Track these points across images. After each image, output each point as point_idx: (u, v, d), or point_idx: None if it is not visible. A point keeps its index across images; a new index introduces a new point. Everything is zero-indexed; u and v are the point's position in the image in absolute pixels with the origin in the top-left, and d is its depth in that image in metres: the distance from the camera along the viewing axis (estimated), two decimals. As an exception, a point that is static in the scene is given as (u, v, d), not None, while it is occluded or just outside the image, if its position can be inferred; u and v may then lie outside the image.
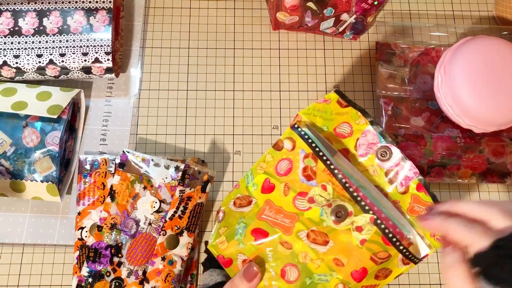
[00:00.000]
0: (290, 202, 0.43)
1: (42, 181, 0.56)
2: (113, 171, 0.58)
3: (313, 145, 0.43)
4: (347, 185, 0.41)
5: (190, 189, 0.55)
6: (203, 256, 0.58)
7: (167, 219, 0.54)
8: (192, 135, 0.64)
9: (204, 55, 0.67)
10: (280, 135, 0.64)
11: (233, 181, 0.62)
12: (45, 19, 0.59)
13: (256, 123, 0.64)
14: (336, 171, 0.42)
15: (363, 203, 0.41)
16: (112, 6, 0.60)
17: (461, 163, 0.60)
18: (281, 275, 0.43)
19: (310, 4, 0.61)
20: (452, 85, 0.55)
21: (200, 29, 0.68)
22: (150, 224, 0.54)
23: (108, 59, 0.59)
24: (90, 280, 0.53)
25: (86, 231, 0.56)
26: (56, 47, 0.58)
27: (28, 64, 0.58)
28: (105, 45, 0.59)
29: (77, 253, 0.55)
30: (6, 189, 0.56)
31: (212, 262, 0.50)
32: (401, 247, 0.41)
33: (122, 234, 0.54)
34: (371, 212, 0.41)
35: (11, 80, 0.60)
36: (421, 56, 0.64)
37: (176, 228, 0.54)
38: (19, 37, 0.58)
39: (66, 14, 0.59)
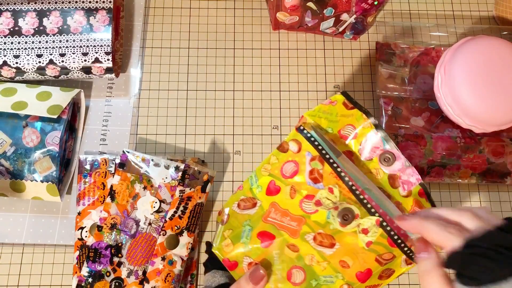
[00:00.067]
0: (297, 205, 0.44)
1: (42, 181, 0.56)
2: (113, 171, 0.58)
3: (320, 147, 0.43)
4: (353, 187, 0.42)
5: (190, 189, 0.55)
6: (203, 256, 0.58)
7: (167, 219, 0.54)
8: (192, 135, 0.64)
9: (204, 55, 0.67)
10: (280, 135, 0.64)
11: (233, 181, 0.62)
12: (45, 19, 0.59)
13: (256, 123, 0.64)
14: (343, 174, 0.42)
15: (369, 205, 0.41)
16: (112, 6, 0.60)
17: (461, 163, 0.60)
18: (287, 277, 0.43)
19: (310, 4, 0.61)
20: (452, 85, 0.55)
21: (200, 29, 0.68)
22: (150, 224, 0.54)
23: (108, 59, 0.59)
24: (90, 280, 0.53)
25: (86, 231, 0.56)
26: (56, 47, 0.58)
27: (28, 64, 0.58)
28: (105, 45, 0.59)
29: (77, 253, 0.55)
30: (6, 189, 0.56)
31: (214, 263, 0.50)
32: (406, 249, 0.41)
33: (122, 234, 0.54)
34: (377, 214, 0.41)
35: (11, 80, 0.60)
36: (421, 56, 0.64)
37: (176, 228, 0.54)
38: (19, 37, 0.58)
39: (66, 14, 0.59)
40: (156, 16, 0.69)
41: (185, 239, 0.54)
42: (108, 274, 0.53)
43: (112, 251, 0.53)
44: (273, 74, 0.67)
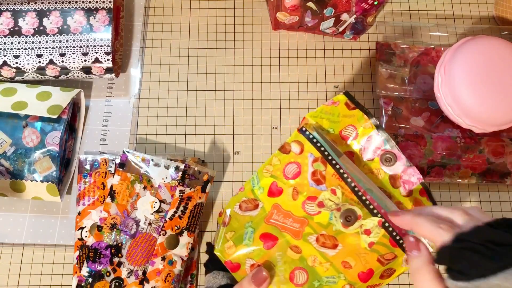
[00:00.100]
0: (300, 207, 0.44)
1: (42, 181, 0.56)
2: (113, 171, 0.58)
3: (322, 149, 0.43)
4: (356, 189, 0.42)
5: (190, 189, 0.55)
6: (203, 256, 0.58)
7: (167, 219, 0.54)
8: (192, 135, 0.64)
9: (204, 55, 0.67)
10: (280, 135, 0.64)
11: (233, 181, 0.62)
12: (45, 19, 0.59)
13: (256, 123, 0.64)
14: (345, 175, 0.42)
15: (371, 206, 0.41)
16: (112, 6, 0.60)
17: (461, 163, 0.60)
18: (290, 278, 0.43)
19: (310, 4, 0.61)
20: (452, 85, 0.55)
21: (200, 29, 0.68)
22: (150, 224, 0.54)
23: (108, 59, 0.59)
24: (90, 280, 0.53)
25: (86, 231, 0.56)
26: (56, 47, 0.58)
27: (28, 64, 0.58)
28: (105, 45, 0.59)
29: (77, 253, 0.55)
30: (6, 189, 0.56)
31: (215, 264, 0.50)
32: None
33: (122, 234, 0.54)
34: (379, 215, 0.41)
35: (11, 80, 0.60)
36: (421, 56, 0.64)
37: (176, 228, 0.54)
38: (19, 37, 0.58)
39: (66, 14, 0.59)
40: (156, 16, 0.69)
41: (185, 239, 0.54)
42: (108, 274, 0.53)
43: (112, 251, 0.53)
44: (273, 74, 0.67)
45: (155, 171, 0.55)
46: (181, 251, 0.54)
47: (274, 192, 0.45)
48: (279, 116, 0.65)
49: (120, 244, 0.54)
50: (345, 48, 0.68)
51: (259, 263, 0.44)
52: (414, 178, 0.43)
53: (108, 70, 0.60)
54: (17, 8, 0.59)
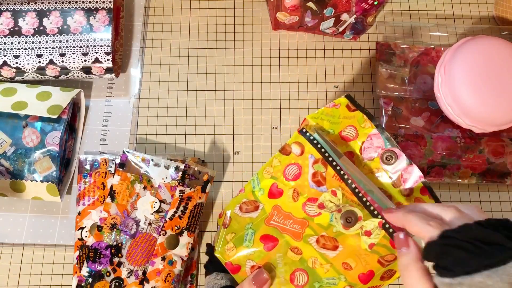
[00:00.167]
0: (300, 208, 0.44)
1: (42, 181, 0.56)
2: (113, 171, 0.58)
3: (322, 150, 0.43)
4: (356, 190, 0.42)
5: (190, 189, 0.55)
6: (203, 256, 0.58)
7: (167, 219, 0.54)
8: (192, 135, 0.64)
9: (204, 55, 0.67)
10: (280, 135, 0.64)
11: (233, 181, 0.62)
12: (45, 19, 0.59)
13: (256, 123, 0.64)
14: (346, 177, 0.42)
15: (372, 207, 0.41)
16: (112, 6, 0.60)
17: (461, 163, 0.60)
18: (290, 280, 0.43)
19: (310, 4, 0.61)
20: (452, 85, 0.55)
21: (200, 29, 0.68)
22: (150, 224, 0.54)
23: (108, 59, 0.59)
24: (90, 280, 0.53)
25: (86, 231, 0.56)
26: (56, 47, 0.58)
27: (28, 64, 0.58)
28: (105, 45, 0.59)
29: (77, 253, 0.55)
30: (6, 189, 0.56)
31: (215, 266, 0.50)
32: None
33: (122, 234, 0.54)
34: (379, 216, 0.41)
35: (11, 80, 0.60)
36: (421, 56, 0.64)
37: (176, 228, 0.54)
38: (19, 37, 0.58)
39: (66, 14, 0.59)
40: (156, 16, 0.69)
41: (185, 239, 0.54)
42: (108, 274, 0.53)
43: (112, 251, 0.53)
44: (273, 74, 0.67)
45: (155, 171, 0.55)
46: (181, 251, 0.54)
47: (274, 193, 0.45)
48: (279, 116, 0.65)
49: (120, 244, 0.54)
50: (345, 48, 0.68)
51: (260, 265, 0.44)
52: (415, 176, 0.43)
53: (108, 70, 0.60)
54: (17, 8, 0.59)
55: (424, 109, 0.62)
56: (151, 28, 0.68)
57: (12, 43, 0.58)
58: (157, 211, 0.55)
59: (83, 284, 0.53)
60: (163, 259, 0.53)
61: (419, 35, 0.68)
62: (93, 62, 0.59)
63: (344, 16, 0.62)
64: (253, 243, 0.45)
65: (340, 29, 0.65)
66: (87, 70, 0.60)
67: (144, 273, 0.53)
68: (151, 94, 0.65)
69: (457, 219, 0.35)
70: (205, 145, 0.63)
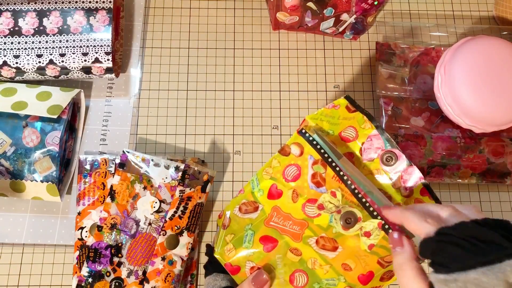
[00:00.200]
0: (299, 209, 0.44)
1: (42, 181, 0.56)
2: (113, 171, 0.58)
3: (322, 151, 0.43)
4: (356, 191, 0.42)
5: (190, 189, 0.55)
6: (203, 256, 0.58)
7: (167, 219, 0.54)
8: (192, 135, 0.64)
9: (204, 55, 0.67)
10: (280, 135, 0.64)
11: (233, 181, 0.62)
12: (45, 19, 0.59)
13: (256, 123, 0.64)
14: (345, 178, 0.42)
15: (371, 208, 0.41)
16: (112, 6, 0.60)
17: (461, 163, 0.60)
18: (290, 281, 0.43)
19: (310, 4, 0.61)
20: (452, 85, 0.55)
21: (200, 29, 0.68)
22: (150, 224, 0.54)
23: (108, 59, 0.59)
24: (90, 280, 0.53)
25: (86, 231, 0.56)
26: (56, 47, 0.58)
27: (28, 64, 0.58)
28: (105, 45, 0.59)
29: (77, 253, 0.55)
30: (6, 189, 0.56)
31: (215, 266, 0.50)
32: None
33: (122, 234, 0.54)
34: (379, 217, 0.41)
35: (11, 80, 0.60)
36: (421, 56, 0.64)
37: (176, 228, 0.54)
38: (19, 37, 0.58)
39: (66, 14, 0.59)
40: (156, 16, 0.69)
41: (185, 239, 0.54)
42: (108, 274, 0.53)
43: (112, 251, 0.53)
44: (273, 74, 0.67)
45: (155, 171, 0.55)
46: (181, 251, 0.54)
47: (274, 194, 0.45)
48: (279, 116, 0.65)
49: (120, 244, 0.54)
50: (345, 48, 0.68)
51: (259, 266, 0.44)
52: (415, 177, 0.43)
53: (108, 70, 0.60)
54: (17, 8, 0.59)
55: (424, 109, 0.62)
56: (151, 28, 0.68)
57: (12, 43, 0.58)
58: (157, 211, 0.55)
59: (83, 284, 0.53)
60: (163, 259, 0.53)
61: (419, 35, 0.68)
62: (93, 62, 0.59)
63: (344, 16, 0.62)
64: (252, 244, 0.45)
65: (340, 29, 0.65)
66: (87, 70, 0.60)
67: (144, 273, 0.53)
68: (151, 94, 0.65)
69: (454, 218, 0.35)
70: (205, 145, 0.63)
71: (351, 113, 0.45)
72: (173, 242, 0.54)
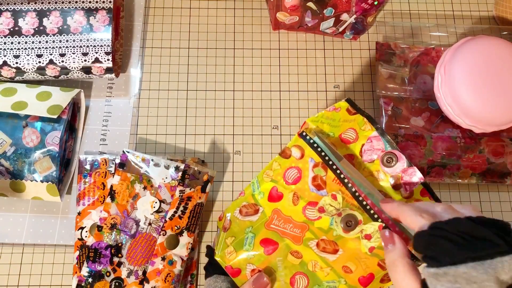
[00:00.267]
0: (300, 212, 0.44)
1: (42, 181, 0.56)
2: (113, 171, 0.58)
3: (322, 153, 0.43)
4: (356, 194, 0.42)
5: (190, 189, 0.55)
6: (203, 256, 0.58)
7: (167, 219, 0.54)
8: (192, 135, 0.64)
9: (204, 55, 0.67)
10: (280, 135, 0.64)
11: (233, 181, 0.62)
12: (45, 19, 0.59)
13: (256, 123, 0.64)
14: (346, 180, 0.42)
15: (372, 211, 0.41)
16: (112, 6, 0.60)
17: (461, 163, 0.60)
18: (291, 283, 0.43)
19: (310, 4, 0.61)
20: (452, 85, 0.55)
21: (200, 29, 0.68)
22: (150, 224, 0.54)
23: (108, 59, 0.59)
24: (90, 280, 0.53)
25: (86, 231, 0.56)
26: (56, 47, 0.58)
27: (28, 64, 0.58)
28: (105, 45, 0.59)
29: (77, 253, 0.55)
30: (6, 189, 0.56)
31: (215, 268, 0.50)
32: None
33: (122, 234, 0.54)
34: (380, 220, 0.41)
35: (11, 80, 0.60)
36: (421, 56, 0.64)
37: (176, 228, 0.54)
38: (19, 37, 0.58)
39: (66, 14, 0.59)
40: (156, 16, 0.69)
41: (185, 239, 0.54)
42: (108, 274, 0.53)
43: (112, 251, 0.53)
44: (273, 74, 0.67)
45: (155, 171, 0.56)
46: (181, 251, 0.54)
47: (274, 197, 0.45)
48: (279, 116, 0.65)
49: (120, 244, 0.54)
50: (345, 48, 0.68)
51: (260, 269, 0.44)
52: (415, 178, 0.43)
53: (108, 70, 0.60)
54: (17, 8, 0.59)
55: (424, 109, 0.62)
56: (151, 28, 0.68)
57: (12, 43, 0.58)
58: (157, 211, 0.55)
59: (83, 284, 0.53)
60: (163, 259, 0.53)
61: (419, 35, 0.68)
62: (93, 62, 0.59)
63: (344, 16, 0.62)
64: (253, 246, 0.45)
65: (340, 29, 0.65)
66: (87, 70, 0.60)
67: (144, 273, 0.53)
68: (151, 94, 0.65)
69: (449, 214, 0.35)
70: (205, 145, 0.63)
71: (352, 115, 0.45)
72: (173, 242, 0.54)
